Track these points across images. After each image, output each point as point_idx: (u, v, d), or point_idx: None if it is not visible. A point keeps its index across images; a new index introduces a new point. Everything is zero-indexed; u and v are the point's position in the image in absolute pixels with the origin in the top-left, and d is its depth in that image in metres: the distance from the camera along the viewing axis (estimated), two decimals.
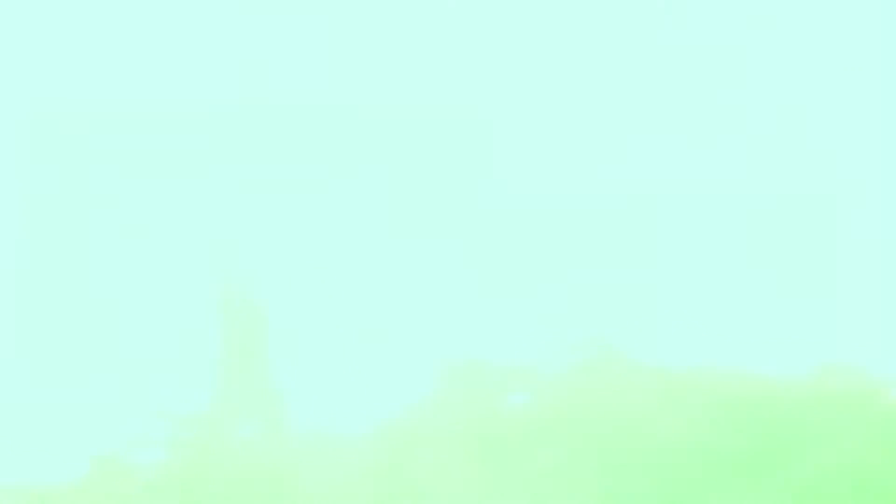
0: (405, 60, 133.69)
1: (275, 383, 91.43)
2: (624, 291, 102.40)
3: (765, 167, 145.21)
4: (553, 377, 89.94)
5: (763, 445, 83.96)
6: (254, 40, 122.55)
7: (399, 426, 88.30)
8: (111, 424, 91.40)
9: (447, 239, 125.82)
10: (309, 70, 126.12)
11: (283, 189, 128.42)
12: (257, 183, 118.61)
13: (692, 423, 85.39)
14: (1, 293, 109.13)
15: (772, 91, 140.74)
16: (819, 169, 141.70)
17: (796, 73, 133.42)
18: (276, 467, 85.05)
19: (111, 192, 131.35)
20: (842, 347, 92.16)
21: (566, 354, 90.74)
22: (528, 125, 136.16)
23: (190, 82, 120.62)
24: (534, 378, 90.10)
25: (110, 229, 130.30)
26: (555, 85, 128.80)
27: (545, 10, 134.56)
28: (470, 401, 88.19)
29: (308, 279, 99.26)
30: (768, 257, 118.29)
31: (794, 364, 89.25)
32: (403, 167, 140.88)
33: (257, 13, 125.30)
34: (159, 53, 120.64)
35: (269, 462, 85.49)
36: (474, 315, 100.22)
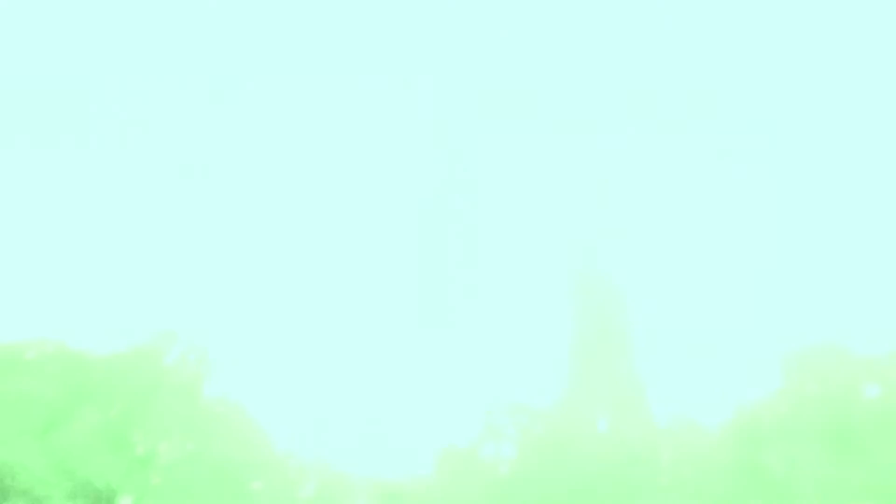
0: None
1: (636, 371, 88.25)
2: None
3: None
4: None
5: None
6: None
7: (754, 416, 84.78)
8: (460, 418, 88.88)
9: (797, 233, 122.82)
10: None
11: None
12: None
13: None
14: (310, 291, 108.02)
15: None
16: None
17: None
18: (634, 458, 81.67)
19: None
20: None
21: None
22: None
23: None
24: (890, 367, 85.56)
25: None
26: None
27: None
28: (823, 391, 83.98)
29: (662, 269, 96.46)
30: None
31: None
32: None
33: None
34: None
35: (626, 453, 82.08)
36: (827, 303, 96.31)
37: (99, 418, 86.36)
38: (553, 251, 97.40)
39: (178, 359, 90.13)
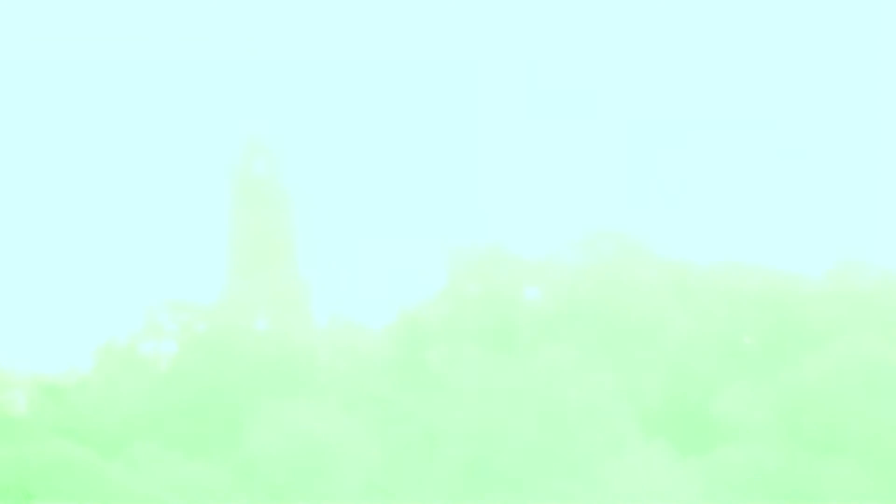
0: None
1: (299, 271, 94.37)
2: (646, 185, 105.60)
3: (789, 66, 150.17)
4: (570, 270, 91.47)
5: (775, 341, 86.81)
6: None
7: (416, 316, 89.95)
8: (119, 314, 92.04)
9: (466, 130, 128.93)
10: None
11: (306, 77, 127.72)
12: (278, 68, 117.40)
13: (707, 318, 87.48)
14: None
15: None
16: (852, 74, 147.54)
17: None
18: (294, 356, 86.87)
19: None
20: (863, 244, 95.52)
21: (585, 247, 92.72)
22: None
23: None
24: (550, 271, 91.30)
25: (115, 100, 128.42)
26: None
27: None
28: (486, 293, 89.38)
29: (329, 167, 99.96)
30: (789, 155, 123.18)
31: (813, 261, 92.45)
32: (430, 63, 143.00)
33: None
34: None
35: (286, 350, 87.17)
36: (492, 206, 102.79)
37: None
38: (215, 148, 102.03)
39: None
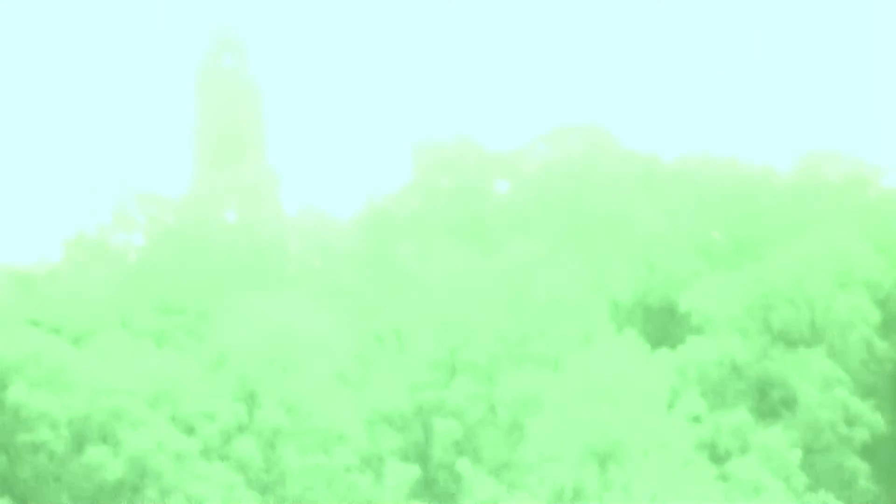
0: None
1: (267, 164, 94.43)
2: (617, 78, 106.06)
3: None
4: (540, 164, 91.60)
5: (744, 234, 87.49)
6: None
7: (385, 208, 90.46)
8: (88, 206, 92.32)
9: (435, 19, 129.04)
10: None
11: None
12: None
13: (676, 212, 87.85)
14: None
15: None
16: None
17: None
18: (263, 247, 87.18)
19: None
20: (835, 134, 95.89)
21: (555, 141, 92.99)
22: None
23: None
24: (520, 164, 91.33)
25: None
26: None
27: None
28: (455, 186, 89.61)
29: (297, 60, 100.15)
30: (758, 43, 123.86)
31: (785, 151, 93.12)
32: None
33: None
34: None
35: (256, 242, 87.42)
36: (461, 99, 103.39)
37: None
38: (180, 39, 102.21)
39: None
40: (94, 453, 71.58)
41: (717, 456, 78.65)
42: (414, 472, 77.49)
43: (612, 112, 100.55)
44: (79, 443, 73.15)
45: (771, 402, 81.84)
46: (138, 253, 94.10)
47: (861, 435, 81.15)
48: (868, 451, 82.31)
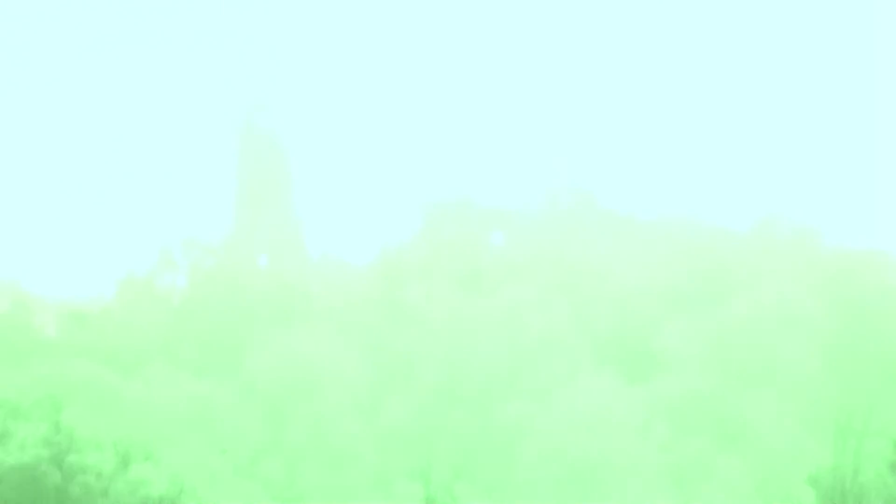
0: None
1: (295, 214, 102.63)
2: (603, 147, 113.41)
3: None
4: (532, 220, 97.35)
5: (707, 286, 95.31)
6: None
7: (396, 257, 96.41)
8: (139, 251, 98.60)
9: (441, 91, 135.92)
10: None
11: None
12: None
13: (649, 265, 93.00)
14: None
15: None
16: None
17: None
18: (290, 289, 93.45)
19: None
20: (784, 202, 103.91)
21: (546, 200, 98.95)
22: None
23: None
24: (514, 220, 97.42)
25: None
26: None
27: None
28: (457, 238, 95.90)
29: (322, 124, 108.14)
30: (722, 126, 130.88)
31: (743, 216, 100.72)
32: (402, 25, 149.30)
33: None
34: None
35: (283, 284, 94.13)
36: (463, 159, 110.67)
37: None
38: (223, 106, 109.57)
39: None
40: (139, 471, 75.20)
41: (681, 481, 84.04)
42: (418, 491, 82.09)
43: (596, 174, 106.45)
44: (125, 461, 76.41)
45: (729, 434, 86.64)
46: (181, 293, 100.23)
47: (808, 464, 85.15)
48: (813, 480, 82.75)
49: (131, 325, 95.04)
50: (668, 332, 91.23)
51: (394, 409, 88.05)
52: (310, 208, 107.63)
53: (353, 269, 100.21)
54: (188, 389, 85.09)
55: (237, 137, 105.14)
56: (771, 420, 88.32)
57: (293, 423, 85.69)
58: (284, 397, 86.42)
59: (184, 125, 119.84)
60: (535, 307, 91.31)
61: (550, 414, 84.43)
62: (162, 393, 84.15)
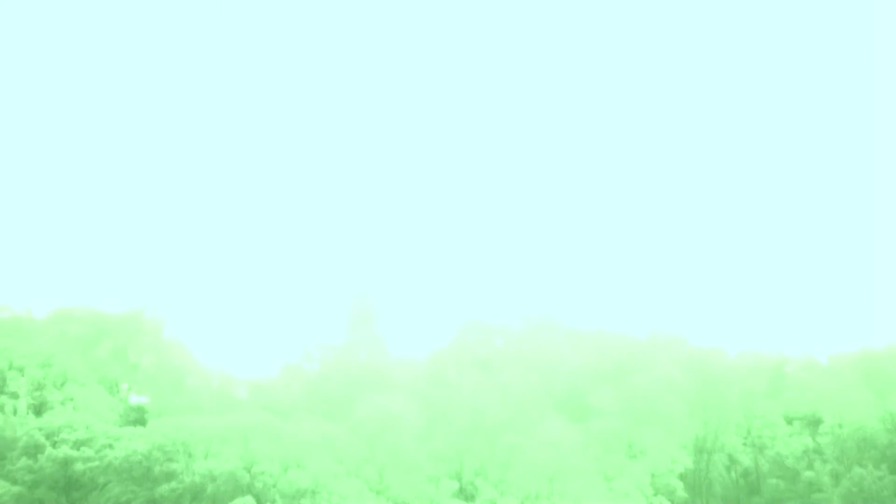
0: None
1: (379, 331, 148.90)
2: (564, 279, 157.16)
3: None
4: (519, 332, 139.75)
5: (618, 368, 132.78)
6: None
7: (439, 354, 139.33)
8: (293, 347, 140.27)
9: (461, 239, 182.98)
10: None
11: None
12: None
13: (589, 358, 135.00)
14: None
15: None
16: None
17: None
18: (377, 372, 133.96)
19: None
20: (671, 320, 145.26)
21: (529, 320, 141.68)
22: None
23: None
24: (509, 332, 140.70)
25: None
26: None
27: None
28: (476, 342, 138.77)
29: (390, 279, 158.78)
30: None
31: (641, 327, 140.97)
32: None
33: None
34: None
35: (374, 369, 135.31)
36: (481, 291, 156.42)
37: None
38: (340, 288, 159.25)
39: None
40: (294, 473, 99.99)
41: (607, 478, 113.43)
42: (454, 485, 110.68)
43: (565, 299, 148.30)
44: (285, 468, 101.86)
45: (633, 451, 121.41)
46: (316, 373, 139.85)
47: (679, 468, 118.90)
48: (682, 477, 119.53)
49: (288, 392, 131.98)
50: (597, 394, 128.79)
51: (438, 438, 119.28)
52: (386, 327, 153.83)
53: (414, 362, 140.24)
54: (321, 428, 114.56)
55: (351, 301, 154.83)
56: (657, 443, 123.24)
57: (381, 446, 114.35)
58: (375, 431, 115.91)
59: (322, 298, 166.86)
60: (520, 381, 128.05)
61: (532, 441, 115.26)
62: (305, 430, 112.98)
